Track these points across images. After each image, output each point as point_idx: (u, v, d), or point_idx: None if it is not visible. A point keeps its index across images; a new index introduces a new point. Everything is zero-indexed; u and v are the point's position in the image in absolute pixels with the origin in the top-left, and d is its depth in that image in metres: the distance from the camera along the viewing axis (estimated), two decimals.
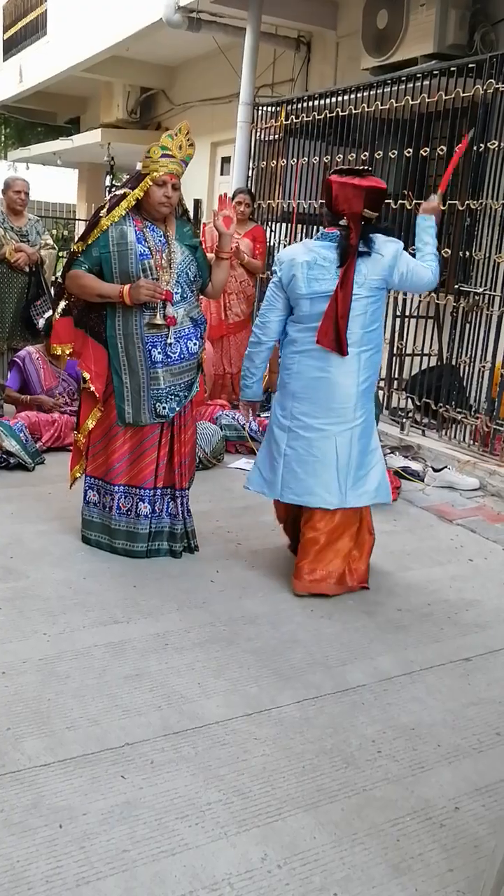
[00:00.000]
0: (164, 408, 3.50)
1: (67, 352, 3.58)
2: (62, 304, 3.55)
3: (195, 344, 3.55)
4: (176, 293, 3.45)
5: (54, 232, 14.79)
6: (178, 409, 3.54)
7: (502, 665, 2.96)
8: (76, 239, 3.55)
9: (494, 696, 2.74)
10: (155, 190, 3.36)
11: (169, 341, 3.45)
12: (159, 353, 3.45)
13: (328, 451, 3.38)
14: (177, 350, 3.48)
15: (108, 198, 3.53)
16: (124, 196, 3.39)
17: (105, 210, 3.42)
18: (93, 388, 3.52)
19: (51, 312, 4.59)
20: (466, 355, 5.52)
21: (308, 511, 3.46)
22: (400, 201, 5.89)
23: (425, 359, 6.06)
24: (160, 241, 3.45)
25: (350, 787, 2.23)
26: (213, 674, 2.75)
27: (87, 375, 3.54)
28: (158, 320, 3.41)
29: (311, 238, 3.52)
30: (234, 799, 2.15)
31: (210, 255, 3.74)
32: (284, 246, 7.29)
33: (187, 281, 3.51)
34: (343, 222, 3.33)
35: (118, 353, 3.49)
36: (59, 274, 6.41)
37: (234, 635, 3.02)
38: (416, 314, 6.13)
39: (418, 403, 5.92)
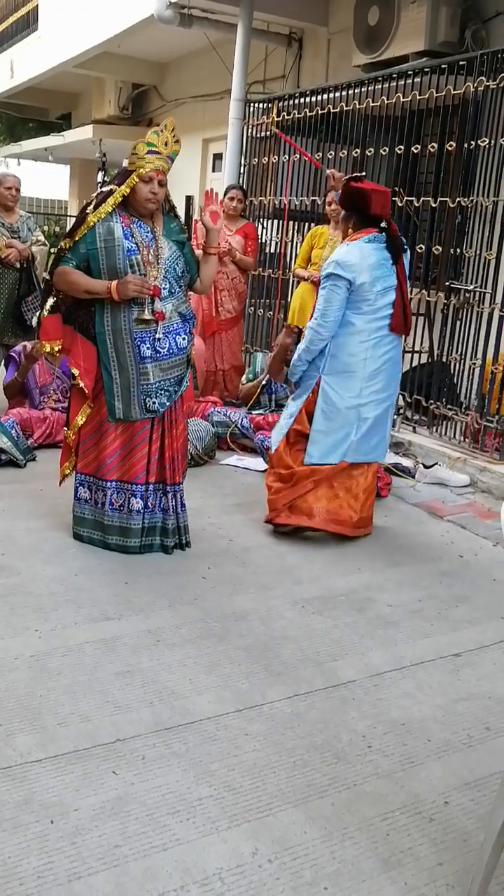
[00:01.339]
0: (154, 403, 3.51)
1: (56, 349, 3.58)
2: (50, 300, 3.55)
3: (184, 339, 3.55)
4: (164, 288, 3.46)
5: (46, 228, 14.75)
6: (168, 404, 3.55)
7: (492, 660, 2.98)
8: (63, 236, 3.56)
9: (484, 692, 2.76)
10: (141, 186, 3.37)
11: (157, 336, 3.46)
12: (148, 348, 3.46)
13: (389, 416, 4.06)
14: (165, 345, 3.49)
15: (94, 194, 3.54)
16: (111, 192, 3.40)
17: (92, 206, 3.42)
18: (82, 385, 3.52)
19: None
20: (457, 352, 5.54)
21: (350, 469, 3.97)
22: (391, 198, 5.89)
23: (416, 356, 6.07)
24: (147, 236, 3.46)
25: (340, 782, 2.24)
26: (205, 670, 2.75)
27: (76, 372, 3.54)
28: (147, 316, 3.42)
29: (355, 242, 3.88)
30: (224, 794, 2.16)
31: (198, 251, 3.75)
32: (276, 243, 7.30)
33: (175, 276, 3.52)
34: (383, 224, 3.88)
35: (107, 349, 3.49)
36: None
37: (225, 632, 3.03)
38: None
39: (409, 400, 5.93)
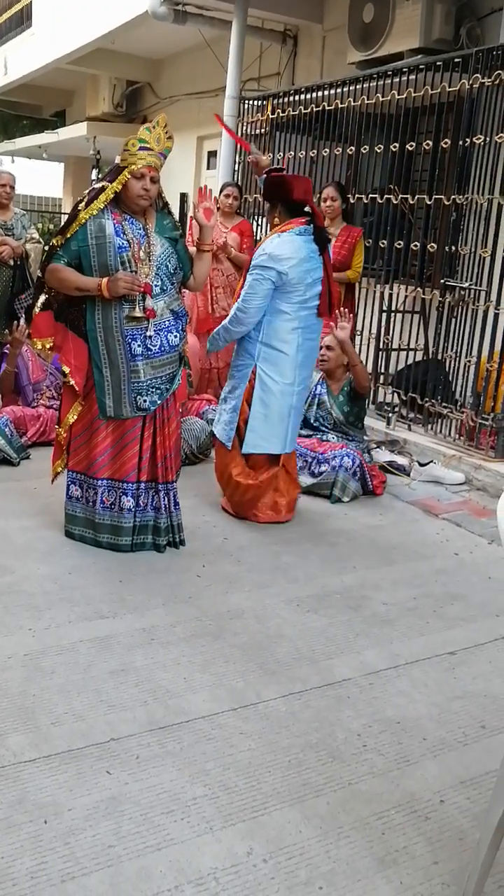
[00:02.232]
0: (145, 401, 3.50)
1: (48, 346, 3.57)
2: (42, 297, 3.55)
3: (176, 336, 3.54)
4: (155, 286, 3.45)
5: (40, 226, 14.72)
6: (159, 402, 3.54)
7: (487, 659, 2.98)
8: (55, 233, 3.55)
9: (479, 690, 2.75)
10: (133, 183, 3.36)
11: (149, 334, 3.45)
12: (139, 345, 3.45)
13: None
14: (157, 343, 3.47)
15: (87, 191, 3.53)
16: (102, 189, 3.39)
17: (83, 204, 3.41)
18: (73, 382, 3.51)
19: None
20: (452, 350, 5.53)
21: (273, 456, 4.12)
22: (386, 196, 5.89)
23: (411, 353, 6.07)
24: (139, 233, 3.44)
25: (336, 781, 2.24)
26: (199, 668, 2.74)
27: (66, 369, 3.53)
28: (138, 313, 3.41)
29: (286, 234, 3.93)
30: (219, 793, 2.15)
31: (192, 248, 3.74)
32: None
33: (167, 273, 3.51)
34: (307, 209, 3.97)
35: (98, 346, 3.48)
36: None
37: (220, 630, 3.02)
38: (402, 309, 6.14)
39: (404, 398, 5.92)
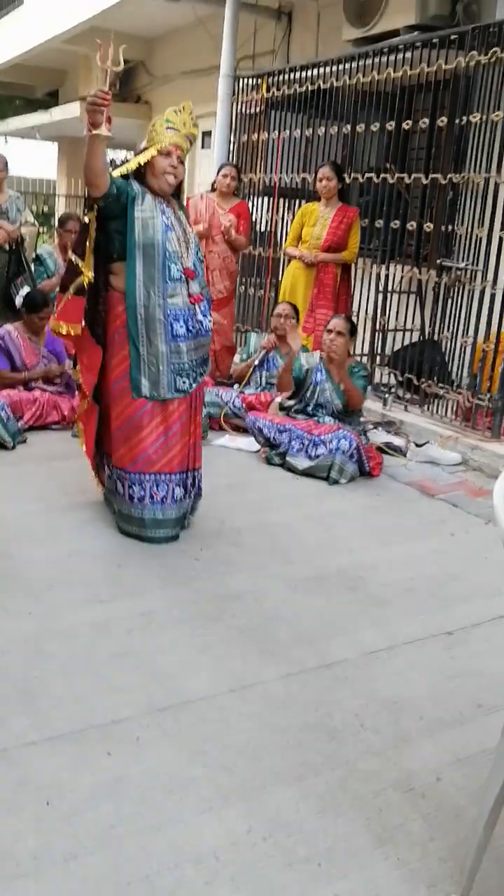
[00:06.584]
0: (185, 382, 3.47)
1: (72, 332, 3.50)
2: (78, 280, 3.43)
3: (209, 320, 3.55)
4: (194, 270, 3.45)
5: (34, 208, 14.62)
6: (195, 385, 3.52)
7: (484, 638, 3.00)
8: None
9: (476, 669, 2.78)
10: (160, 160, 3.33)
11: (198, 318, 3.44)
12: (181, 326, 3.42)
13: None
14: (196, 326, 3.46)
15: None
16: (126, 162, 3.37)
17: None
18: (80, 380, 3.50)
19: (26, 289, 4.44)
20: (448, 330, 5.53)
21: None
22: (382, 175, 5.86)
23: (408, 334, 6.06)
24: (174, 218, 3.44)
25: (334, 761, 2.26)
26: (198, 651, 2.76)
27: (78, 366, 3.53)
28: (180, 301, 3.40)
29: None
30: (218, 774, 2.17)
31: (197, 227, 3.74)
32: (267, 221, 7.25)
33: (199, 258, 3.53)
34: None
35: (137, 322, 3.38)
36: (39, 251, 6.27)
37: (218, 612, 3.04)
38: (398, 289, 6.12)
39: (401, 379, 5.92)
